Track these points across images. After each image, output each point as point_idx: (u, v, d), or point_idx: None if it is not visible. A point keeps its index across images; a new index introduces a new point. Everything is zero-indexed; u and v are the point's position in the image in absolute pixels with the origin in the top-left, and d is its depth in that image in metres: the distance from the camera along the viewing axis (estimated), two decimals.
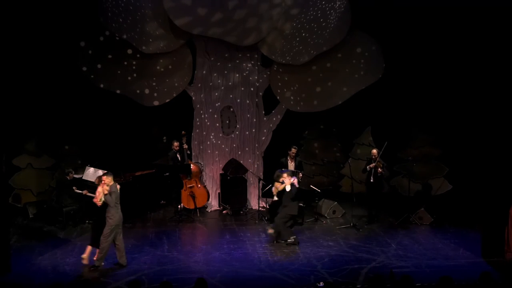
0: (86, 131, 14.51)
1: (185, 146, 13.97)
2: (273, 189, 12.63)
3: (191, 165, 14.02)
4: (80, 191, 13.04)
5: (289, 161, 13.65)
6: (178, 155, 13.97)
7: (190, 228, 13.25)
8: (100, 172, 13.32)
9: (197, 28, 13.81)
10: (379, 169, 13.20)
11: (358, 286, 9.67)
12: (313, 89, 14.70)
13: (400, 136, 14.94)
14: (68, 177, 13.30)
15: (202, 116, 14.80)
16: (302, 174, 13.78)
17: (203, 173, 14.70)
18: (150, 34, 13.98)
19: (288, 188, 11.97)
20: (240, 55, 14.71)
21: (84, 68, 14.01)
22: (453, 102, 14.49)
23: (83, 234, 12.56)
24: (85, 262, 10.70)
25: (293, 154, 13.67)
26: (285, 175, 12.19)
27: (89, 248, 10.79)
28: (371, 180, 13.28)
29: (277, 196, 12.43)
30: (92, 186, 12.84)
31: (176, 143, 13.91)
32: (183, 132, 13.97)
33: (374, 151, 13.39)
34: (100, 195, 10.55)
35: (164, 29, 14.03)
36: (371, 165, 13.19)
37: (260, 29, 13.97)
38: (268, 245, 11.85)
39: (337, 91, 14.64)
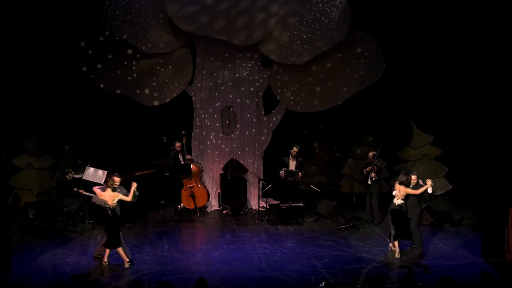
0: (86, 131, 14.51)
1: (188, 156, 13.99)
2: (396, 192, 11.18)
3: (191, 165, 14.02)
4: (80, 191, 13.06)
5: (290, 160, 13.63)
6: (180, 156, 13.97)
7: (190, 228, 13.24)
8: (100, 172, 13.33)
9: (191, 24, 13.76)
10: (373, 173, 13.18)
11: (359, 286, 9.67)
12: (313, 89, 14.70)
13: (400, 136, 14.94)
14: (67, 177, 13.29)
15: (202, 116, 14.79)
16: (302, 174, 13.76)
17: (203, 173, 14.69)
18: (150, 34, 13.97)
19: (430, 190, 11.18)
20: (240, 55, 14.70)
21: (84, 68, 14.01)
22: (453, 102, 14.50)
23: (83, 234, 12.56)
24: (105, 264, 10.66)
25: (295, 153, 13.64)
26: (414, 177, 11.16)
27: (107, 251, 10.72)
28: (369, 182, 13.27)
29: (404, 200, 11.19)
30: (92, 186, 12.86)
31: (178, 144, 13.90)
32: (183, 132, 13.97)
33: (370, 154, 13.39)
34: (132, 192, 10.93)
35: (164, 29, 14.02)
36: (367, 169, 13.20)
37: (252, 32, 13.95)
38: (268, 245, 11.85)
39: (337, 91, 14.64)
